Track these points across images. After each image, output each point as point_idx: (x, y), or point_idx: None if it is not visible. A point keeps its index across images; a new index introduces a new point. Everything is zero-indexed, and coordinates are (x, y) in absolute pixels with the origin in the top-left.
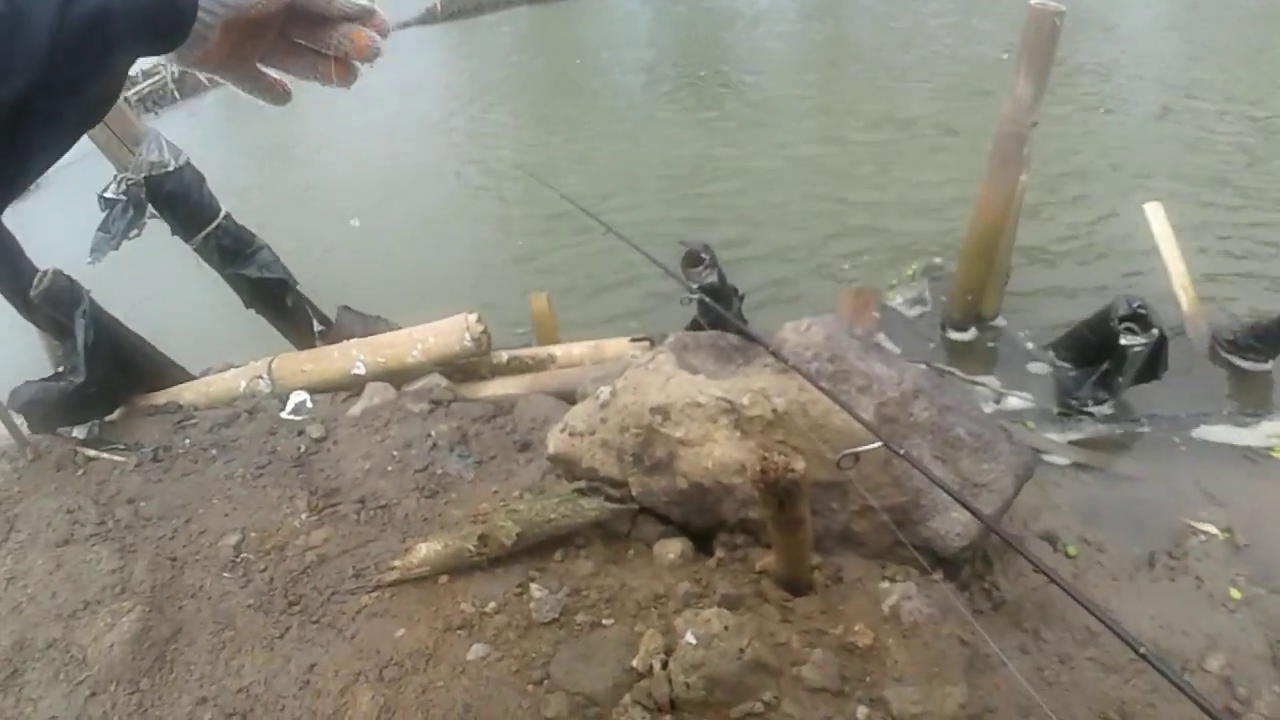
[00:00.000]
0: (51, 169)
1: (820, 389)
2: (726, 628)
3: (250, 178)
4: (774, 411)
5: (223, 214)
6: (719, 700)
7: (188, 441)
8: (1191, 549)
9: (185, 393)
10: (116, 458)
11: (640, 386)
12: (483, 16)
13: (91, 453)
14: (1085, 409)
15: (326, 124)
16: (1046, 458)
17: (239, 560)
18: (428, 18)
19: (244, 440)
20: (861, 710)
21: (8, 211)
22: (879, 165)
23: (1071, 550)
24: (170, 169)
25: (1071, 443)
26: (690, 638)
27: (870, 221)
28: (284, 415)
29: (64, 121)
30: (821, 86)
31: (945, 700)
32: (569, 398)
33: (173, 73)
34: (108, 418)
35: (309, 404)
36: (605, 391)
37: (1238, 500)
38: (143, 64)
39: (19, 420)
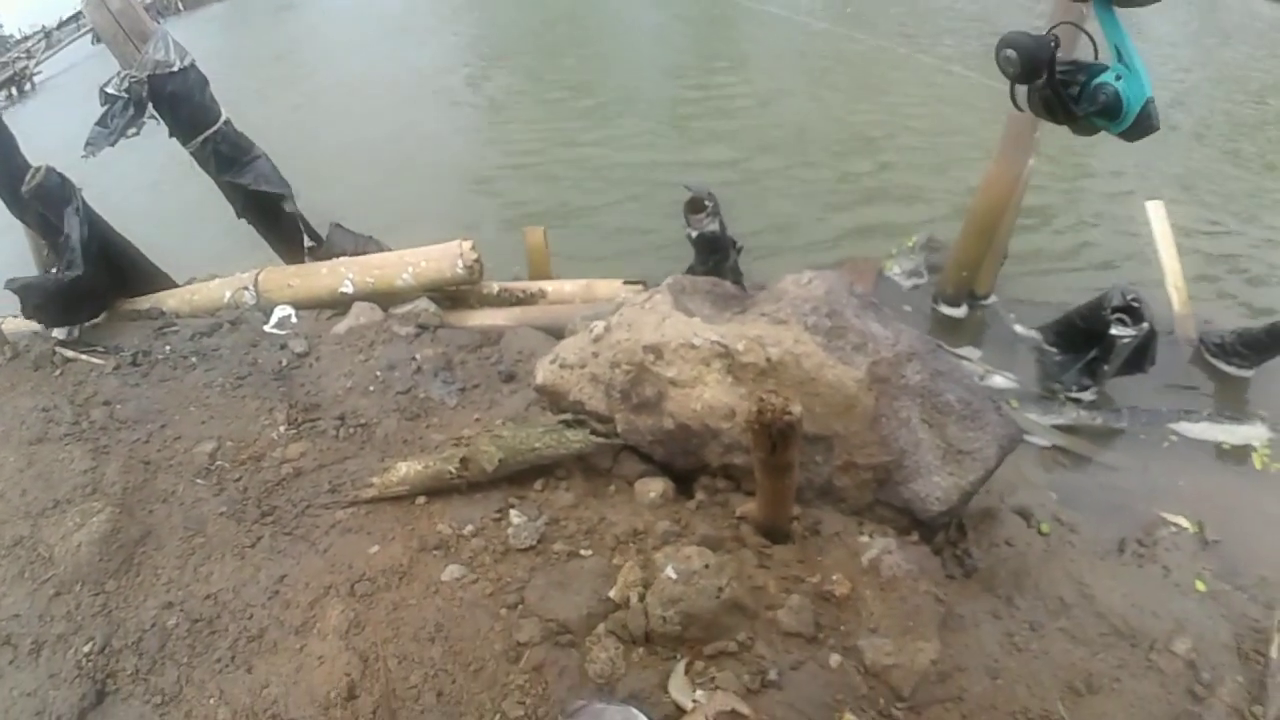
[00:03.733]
0: (52, 71)
1: None
2: (707, 566)
3: (250, 85)
4: (768, 360)
5: (223, 119)
6: (693, 636)
7: (168, 348)
8: (1161, 539)
9: (169, 299)
10: (95, 360)
11: (635, 324)
12: None
13: (70, 353)
14: (1069, 393)
15: (331, 36)
16: (1027, 437)
17: (213, 468)
18: None
19: (225, 350)
20: (834, 658)
21: (5, 110)
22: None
23: (1045, 528)
24: (175, 69)
25: (1053, 426)
26: (670, 572)
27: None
28: (267, 328)
29: None
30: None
31: (917, 654)
32: (557, 333)
33: None
34: (91, 321)
35: (294, 319)
36: (599, 325)
37: (1211, 497)
38: None
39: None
